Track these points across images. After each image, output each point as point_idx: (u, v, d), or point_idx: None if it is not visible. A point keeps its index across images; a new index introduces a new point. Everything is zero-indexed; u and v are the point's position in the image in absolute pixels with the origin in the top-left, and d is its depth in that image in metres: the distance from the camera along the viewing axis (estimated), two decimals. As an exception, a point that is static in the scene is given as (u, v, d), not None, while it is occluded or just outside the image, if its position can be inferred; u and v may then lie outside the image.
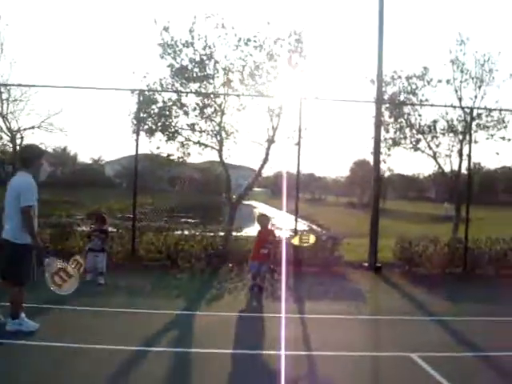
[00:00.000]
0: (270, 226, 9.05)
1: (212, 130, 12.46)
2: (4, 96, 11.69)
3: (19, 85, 11.77)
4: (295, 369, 5.11)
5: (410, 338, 6.29)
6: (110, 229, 10.66)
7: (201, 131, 12.46)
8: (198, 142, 12.61)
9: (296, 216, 10.95)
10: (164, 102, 11.54)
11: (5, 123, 12.19)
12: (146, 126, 11.58)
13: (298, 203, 10.88)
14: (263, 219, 8.87)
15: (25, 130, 12.35)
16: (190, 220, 18.91)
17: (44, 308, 6.65)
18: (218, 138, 12.30)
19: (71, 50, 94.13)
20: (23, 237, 5.50)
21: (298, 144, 10.87)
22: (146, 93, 11.37)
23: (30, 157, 5.74)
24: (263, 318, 7.16)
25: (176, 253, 10.63)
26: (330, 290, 8.96)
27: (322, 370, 5.16)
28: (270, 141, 12.45)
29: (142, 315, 6.86)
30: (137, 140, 10.32)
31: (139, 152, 10.62)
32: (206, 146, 12.52)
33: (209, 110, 12.08)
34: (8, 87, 11.93)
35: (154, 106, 11.41)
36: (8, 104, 12.07)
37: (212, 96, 11.91)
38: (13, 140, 12.39)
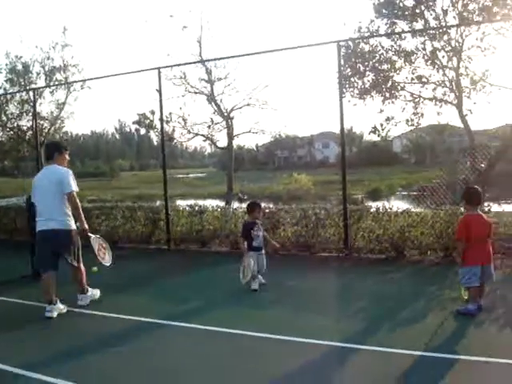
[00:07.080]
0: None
1: (449, 81, 9.58)
2: (208, 76, 11.28)
3: (222, 58, 11.09)
4: None
5: None
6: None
7: (435, 84, 9.71)
8: (434, 98, 9.88)
9: None
10: (372, 51, 9.08)
11: (215, 104, 11.67)
12: (359, 84, 9.37)
13: None
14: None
15: (232, 110, 11.64)
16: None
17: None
18: (456, 92, 9.32)
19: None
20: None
21: None
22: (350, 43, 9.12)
23: (49, 151, 5.85)
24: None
25: (403, 242, 8.34)
26: None
27: None
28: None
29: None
30: (340, 102, 8.26)
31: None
32: (442, 101, 9.68)
33: (440, 55, 9.22)
34: (209, 68, 11.33)
35: (362, 60, 9.07)
36: (213, 84, 11.53)
37: (442, 35, 8.93)
38: (226, 121, 11.81)
